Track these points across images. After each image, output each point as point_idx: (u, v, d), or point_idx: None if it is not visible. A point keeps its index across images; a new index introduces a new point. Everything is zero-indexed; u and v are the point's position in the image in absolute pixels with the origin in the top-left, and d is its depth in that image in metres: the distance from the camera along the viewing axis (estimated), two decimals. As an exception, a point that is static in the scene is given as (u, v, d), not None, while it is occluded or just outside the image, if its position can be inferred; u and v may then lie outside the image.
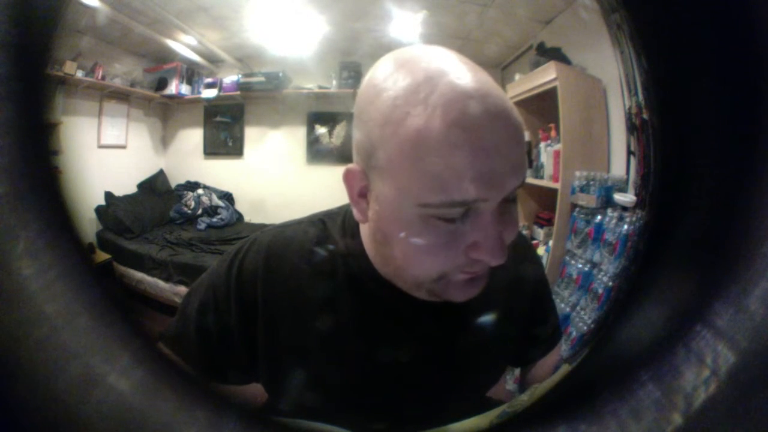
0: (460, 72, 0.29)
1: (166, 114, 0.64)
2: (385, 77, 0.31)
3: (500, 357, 0.46)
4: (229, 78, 0.61)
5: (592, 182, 0.55)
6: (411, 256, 0.32)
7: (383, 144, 0.30)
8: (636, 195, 0.48)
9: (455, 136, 0.27)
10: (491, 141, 0.28)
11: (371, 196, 0.33)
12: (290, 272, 0.39)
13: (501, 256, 0.30)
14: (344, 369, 0.40)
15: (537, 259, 0.49)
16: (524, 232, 0.67)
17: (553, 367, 0.47)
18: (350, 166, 0.34)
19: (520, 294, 0.44)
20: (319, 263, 0.39)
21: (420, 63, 0.30)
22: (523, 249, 0.45)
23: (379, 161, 0.30)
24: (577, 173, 0.57)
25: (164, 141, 0.64)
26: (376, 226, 0.34)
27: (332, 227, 0.40)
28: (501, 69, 0.57)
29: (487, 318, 0.41)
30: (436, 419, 0.39)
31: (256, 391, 0.43)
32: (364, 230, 0.38)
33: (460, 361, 0.41)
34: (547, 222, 0.65)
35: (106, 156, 0.59)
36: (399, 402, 0.41)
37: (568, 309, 0.62)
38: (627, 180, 0.49)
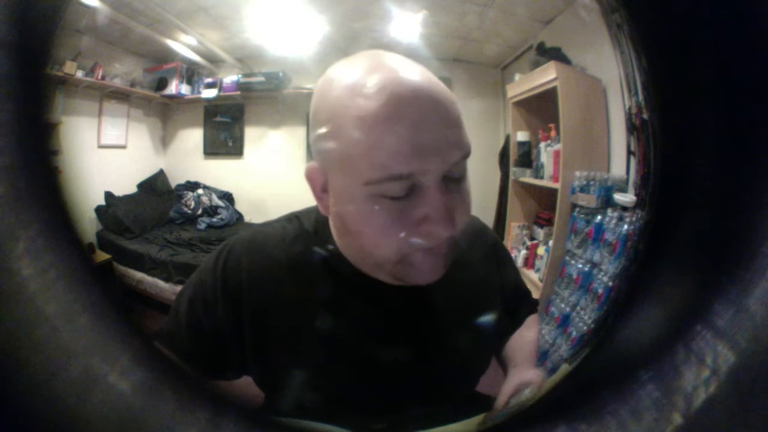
0: (395, 65, 0.33)
1: (166, 114, 0.64)
2: (332, 80, 0.34)
3: (481, 337, 0.46)
4: (229, 78, 0.61)
5: (592, 182, 0.55)
6: (367, 238, 0.34)
7: (333, 136, 0.33)
8: (636, 195, 0.48)
9: (388, 116, 0.30)
10: (421, 118, 0.31)
11: (330, 189, 0.36)
12: (271, 265, 0.42)
13: (451, 227, 0.32)
14: (329, 360, 0.41)
15: (492, 234, 0.51)
16: (524, 231, 0.67)
17: (534, 343, 0.48)
18: (310, 163, 0.37)
19: (484, 271, 0.46)
20: (296, 256, 0.42)
21: (361, 64, 0.34)
22: (480, 229, 0.48)
23: (331, 153, 0.34)
24: (577, 173, 0.57)
25: (164, 141, 0.64)
26: (335, 215, 0.37)
27: (307, 223, 0.43)
28: (501, 69, 0.57)
29: (459, 297, 0.43)
30: (429, 412, 0.39)
31: (255, 390, 0.43)
32: (334, 226, 0.41)
33: (439, 345, 0.42)
34: (547, 222, 0.65)
35: (106, 156, 0.59)
36: (384, 391, 0.42)
37: (568, 309, 0.62)
38: (627, 180, 0.49)
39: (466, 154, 0.34)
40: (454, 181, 0.33)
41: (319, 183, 0.37)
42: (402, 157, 0.30)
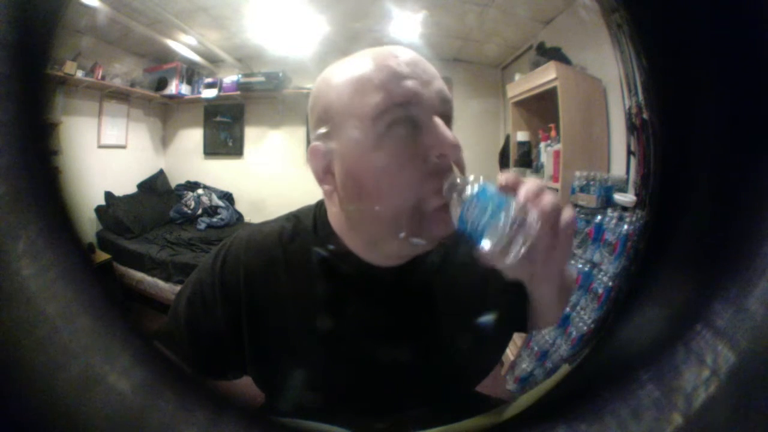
0: (385, 47, 0.38)
1: (166, 114, 0.64)
2: (330, 71, 0.39)
3: (481, 338, 0.45)
4: (229, 78, 0.61)
5: (592, 182, 0.55)
6: (386, 181, 0.35)
7: (337, 102, 0.37)
8: (636, 195, 0.48)
9: (386, 65, 0.36)
10: (412, 63, 0.37)
11: (336, 161, 0.37)
12: (269, 263, 0.42)
13: (456, 142, 0.36)
14: (329, 360, 0.41)
15: None
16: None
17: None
18: (312, 144, 0.38)
19: (487, 270, 0.44)
20: (295, 254, 0.42)
21: (354, 54, 0.38)
22: None
23: (336, 117, 0.37)
24: (577, 173, 0.57)
25: (164, 141, 0.64)
26: (345, 184, 0.37)
27: (305, 221, 0.43)
28: (501, 69, 0.57)
29: (460, 297, 0.43)
30: (429, 412, 0.39)
31: (255, 390, 0.43)
32: (334, 218, 0.41)
33: (439, 345, 0.42)
34: (547, 222, 0.64)
35: (106, 156, 0.59)
36: (384, 391, 0.42)
37: (568, 309, 0.62)
38: (627, 180, 0.49)
39: (450, 100, 0.38)
40: (446, 122, 0.37)
41: (321, 163, 0.38)
42: (402, 85, 0.35)
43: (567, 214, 0.32)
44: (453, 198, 0.34)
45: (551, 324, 0.48)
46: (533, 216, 0.30)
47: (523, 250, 0.30)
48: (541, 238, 0.30)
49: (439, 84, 0.37)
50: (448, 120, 0.37)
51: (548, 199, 0.31)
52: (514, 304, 0.43)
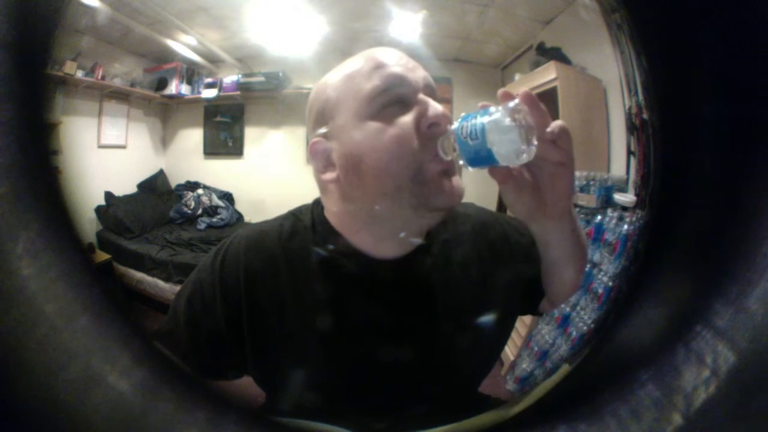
0: (372, 48, 0.41)
1: (166, 114, 0.64)
2: (325, 76, 0.41)
3: (482, 337, 0.45)
4: (229, 78, 0.61)
5: (592, 182, 0.55)
6: (385, 155, 0.37)
7: (335, 96, 0.39)
8: (636, 195, 0.48)
9: (373, 58, 0.39)
10: (396, 56, 0.40)
11: (336, 151, 0.39)
12: (268, 261, 0.42)
13: (445, 112, 0.38)
14: (329, 359, 0.41)
15: (500, 228, 0.48)
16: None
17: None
18: (312, 140, 0.40)
19: (489, 267, 0.45)
20: (294, 252, 0.42)
21: (350, 57, 0.41)
22: (482, 225, 0.47)
23: (333, 112, 0.39)
24: (577, 173, 0.57)
25: (164, 141, 0.64)
26: (347, 169, 0.38)
27: (304, 219, 0.44)
28: (501, 69, 0.57)
29: (461, 295, 0.43)
30: (429, 411, 0.39)
31: (256, 390, 0.43)
32: (332, 215, 0.42)
33: (439, 344, 0.42)
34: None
35: (106, 156, 0.59)
36: (384, 391, 0.42)
37: (568, 309, 0.62)
38: (627, 180, 0.49)
39: (435, 89, 0.40)
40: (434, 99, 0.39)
41: (322, 156, 0.39)
42: (386, 69, 0.38)
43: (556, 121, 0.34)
44: (450, 143, 0.36)
45: (567, 292, 0.46)
46: (515, 101, 0.33)
47: (528, 136, 0.32)
48: (540, 139, 0.33)
49: (423, 72, 0.40)
50: None
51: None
52: (524, 284, 0.44)
